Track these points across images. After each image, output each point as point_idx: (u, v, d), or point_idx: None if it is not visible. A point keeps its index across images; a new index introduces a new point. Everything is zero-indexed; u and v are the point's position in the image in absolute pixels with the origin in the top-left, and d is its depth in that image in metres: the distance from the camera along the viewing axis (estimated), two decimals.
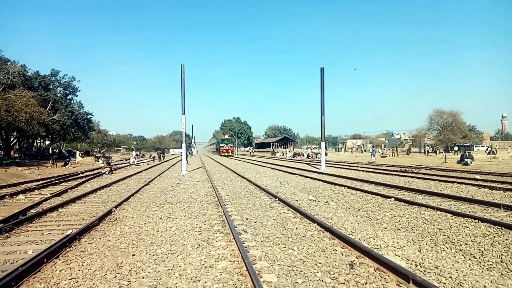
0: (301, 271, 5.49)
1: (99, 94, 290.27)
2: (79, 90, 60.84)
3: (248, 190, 15.28)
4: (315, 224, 8.50)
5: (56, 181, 21.05)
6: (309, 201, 12.16)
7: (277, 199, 12.48)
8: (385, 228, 8.22)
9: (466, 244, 6.82)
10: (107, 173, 26.18)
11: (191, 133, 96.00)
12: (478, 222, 8.33)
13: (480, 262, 5.87)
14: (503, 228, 7.71)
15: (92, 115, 69.16)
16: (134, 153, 45.31)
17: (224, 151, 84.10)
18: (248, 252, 6.41)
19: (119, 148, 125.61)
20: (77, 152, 50.01)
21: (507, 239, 6.93)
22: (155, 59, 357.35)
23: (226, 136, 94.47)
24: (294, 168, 30.31)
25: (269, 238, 7.48)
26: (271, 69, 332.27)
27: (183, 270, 5.61)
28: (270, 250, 6.64)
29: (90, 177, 23.66)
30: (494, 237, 7.15)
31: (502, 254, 6.16)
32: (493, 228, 7.80)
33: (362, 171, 26.56)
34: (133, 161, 42.96)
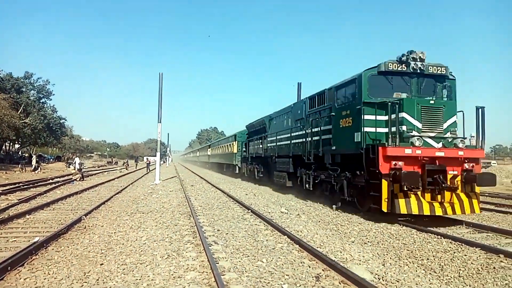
0: (268, 282, 5.61)
1: (74, 99, 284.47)
2: (53, 94, 59.67)
3: (222, 201, 15.32)
4: (285, 236, 8.65)
5: (25, 186, 20.51)
6: (281, 214, 12.31)
7: (249, 211, 12.59)
8: (353, 242, 8.44)
9: (427, 259, 7.10)
10: (78, 179, 25.64)
11: (166, 141, 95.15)
12: (441, 238, 8.68)
13: (439, 277, 6.14)
14: (463, 244, 8.06)
15: (66, 120, 67.72)
16: (77, 159, 29.00)
17: None
18: (218, 263, 6.48)
19: (92, 155, 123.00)
20: (33, 157, 43.16)
21: (465, 255, 7.26)
22: (132, 66, 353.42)
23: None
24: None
25: (239, 249, 7.57)
26: (250, 80, 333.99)
27: (152, 280, 5.63)
28: (240, 261, 6.73)
29: (60, 183, 23.16)
30: (454, 252, 7.48)
31: (460, 269, 6.45)
32: (454, 244, 8.14)
33: None
34: (76, 175, 26.49)
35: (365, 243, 8.38)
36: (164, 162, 73.93)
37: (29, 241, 7.86)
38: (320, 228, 10.04)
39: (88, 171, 40.74)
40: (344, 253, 7.43)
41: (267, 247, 7.76)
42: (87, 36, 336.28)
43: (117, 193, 18.12)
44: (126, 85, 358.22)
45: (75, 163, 27.63)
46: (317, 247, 7.66)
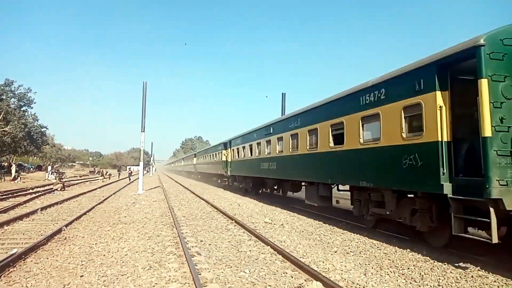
0: None
1: (57, 107, 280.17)
2: (35, 102, 58.59)
3: (205, 212, 15.25)
4: (269, 247, 8.67)
5: (3, 196, 20.03)
6: (265, 224, 12.32)
7: (233, 221, 12.56)
8: (335, 252, 8.50)
9: (408, 268, 7.20)
10: (59, 189, 25.18)
11: (150, 150, 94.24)
12: (421, 248, 8.80)
13: (420, 286, 6.23)
14: (442, 253, 8.20)
15: (47, 129, 66.59)
16: (49, 167, 27.41)
17: None
18: (200, 274, 6.45)
19: (74, 164, 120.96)
20: (13, 166, 41.50)
21: (444, 264, 7.38)
22: (116, 75, 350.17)
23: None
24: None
25: (222, 260, 7.55)
26: (235, 89, 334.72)
27: None
28: (222, 272, 6.71)
29: (41, 193, 22.70)
30: (434, 261, 7.60)
31: (439, 278, 6.57)
32: (434, 253, 8.27)
33: None
34: (57, 184, 26.23)
35: (347, 253, 8.45)
36: (147, 171, 73.30)
37: (6, 253, 7.69)
38: (303, 238, 10.09)
39: (69, 180, 40.02)
40: (326, 263, 7.48)
41: (250, 258, 7.76)
42: (69, 44, 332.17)
43: (99, 203, 17.86)
44: (110, 94, 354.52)
45: (53, 172, 26.87)
46: (300, 257, 7.69)
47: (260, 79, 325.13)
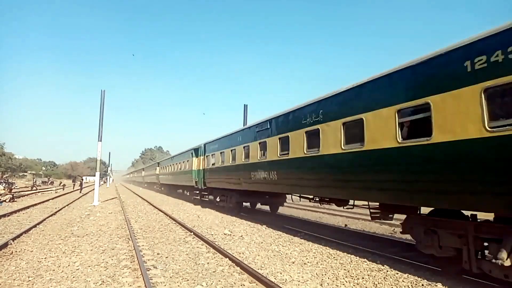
0: None
1: (7, 114, 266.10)
2: None
3: (163, 224, 14.92)
4: (227, 259, 8.59)
5: None
6: (224, 236, 12.22)
7: (192, 233, 12.37)
8: (293, 263, 8.56)
9: (363, 278, 7.37)
10: (7, 200, 23.82)
11: (108, 160, 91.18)
12: (375, 257, 9.05)
13: None
14: (395, 262, 8.47)
15: None
16: None
17: None
18: None
19: (25, 174, 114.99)
20: None
21: (397, 273, 7.62)
22: (72, 82, 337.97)
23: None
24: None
25: (178, 273, 7.40)
26: (195, 100, 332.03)
27: None
28: (178, 286, 6.58)
29: None
30: (387, 271, 7.83)
31: (392, 287, 6.77)
32: (387, 262, 8.53)
33: None
34: (6, 195, 25.79)
35: (305, 263, 8.53)
36: (104, 182, 70.85)
37: None
38: (262, 249, 10.09)
39: (20, 191, 37.95)
40: (284, 274, 7.52)
41: (207, 270, 7.65)
42: (22, 48, 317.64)
43: (51, 215, 17.06)
44: (65, 102, 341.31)
45: (1, 182, 25.62)
46: (258, 269, 7.68)
47: (221, 91, 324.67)
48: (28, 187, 54.37)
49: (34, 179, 63.13)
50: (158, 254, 9.19)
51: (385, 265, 8.25)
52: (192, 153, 26.46)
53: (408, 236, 12.61)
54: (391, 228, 14.90)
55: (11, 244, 9.87)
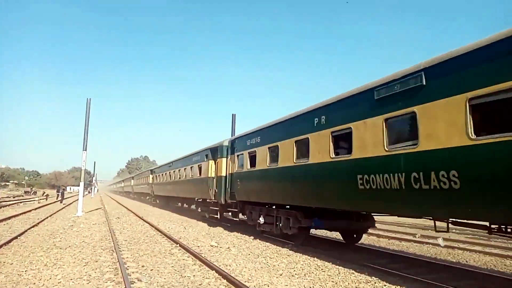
0: None
1: None
2: None
3: (149, 235, 14.67)
4: (213, 271, 8.45)
5: None
6: (210, 247, 12.05)
7: (178, 245, 12.17)
8: (281, 275, 8.46)
9: None
10: None
11: (92, 170, 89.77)
12: (363, 268, 9.01)
13: None
14: (384, 274, 8.44)
15: None
16: None
17: None
18: None
19: (7, 183, 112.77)
20: None
21: (385, 285, 7.59)
22: (57, 89, 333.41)
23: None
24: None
25: (164, 286, 7.24)
26: (183, 109, 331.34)
27: None
28: None
29: None
30: (375, 283, 7.79)
31: None
32: (375, 274, 8.49)
33: None
34: None
35: (292, 275, 8.44)
36: (89, 192, 69.76)
37: None
38: (249, 261, 9.96)
39: (0, 201, 37.06)
40: (271, 286, 7.41)
41: (193, 283, 7.50)
42: (4, 56, 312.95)
43: (33, 227, 16.64)
44: (49, 110, 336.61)
45: None
46: (245, 282, 7.56)
47: (207, 100, 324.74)
48: (9, 197, 53.15)
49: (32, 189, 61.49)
50: (143, 266, 8.98)
51: (372, 277, 8.22)
52: (207, 155, 20.26)
53: (391, 246, 12.62)
54: (377, 238, 14.95)
55: None
